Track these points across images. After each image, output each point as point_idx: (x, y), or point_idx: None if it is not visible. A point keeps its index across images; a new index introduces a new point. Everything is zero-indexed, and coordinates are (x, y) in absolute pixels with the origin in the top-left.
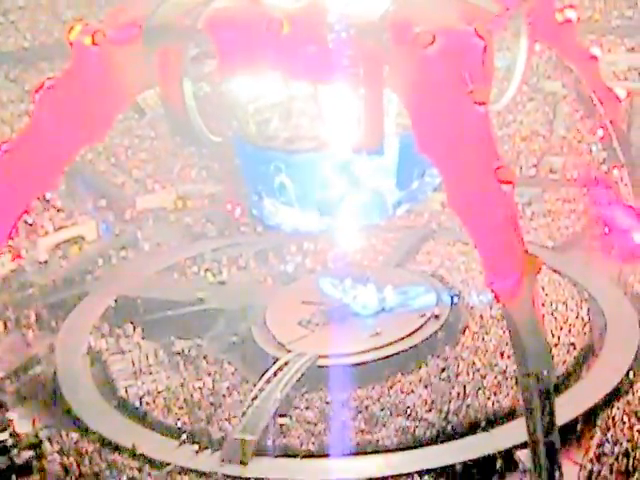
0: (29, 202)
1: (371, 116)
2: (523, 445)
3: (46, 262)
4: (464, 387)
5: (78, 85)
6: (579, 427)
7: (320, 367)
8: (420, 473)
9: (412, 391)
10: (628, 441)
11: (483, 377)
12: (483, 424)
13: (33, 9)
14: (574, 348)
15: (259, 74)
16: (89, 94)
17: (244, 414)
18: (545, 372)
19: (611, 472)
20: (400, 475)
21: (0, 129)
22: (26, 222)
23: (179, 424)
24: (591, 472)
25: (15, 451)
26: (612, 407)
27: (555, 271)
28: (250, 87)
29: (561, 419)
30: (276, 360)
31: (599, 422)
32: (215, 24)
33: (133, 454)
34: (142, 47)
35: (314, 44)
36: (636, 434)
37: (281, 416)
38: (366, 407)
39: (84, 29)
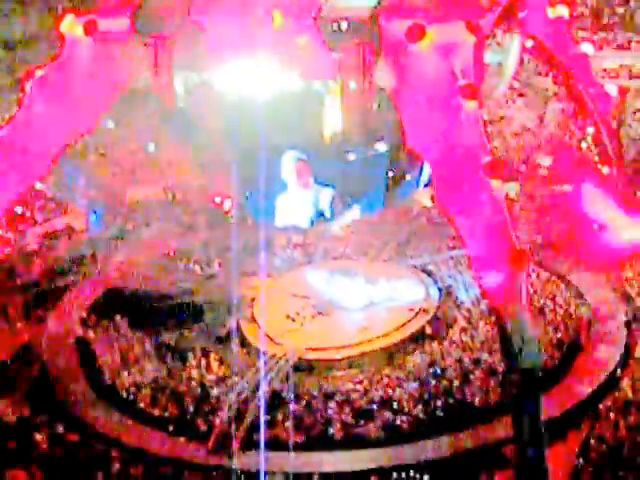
0: (19, 192)
1: (362, 109)
2: (510, 441)
3: (35, 252)
4: (451, 382)
5: (69, 75)
6: (565, 423)
7: (308, 360)
8: (406, 467)
9: (399, 385)
10: (613, 438)
11: (470, 372)
12: (470, 420)
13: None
14: (561, 345)
15: (250, 67)
16: (80, 84)
17: (231, 407)
18: (532, 368)
19: (596, 468)
20: (386, 469)
21: None
22: (15, 212)
23: (166, 415)
24: (576, 468)
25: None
26: (598, 404)
27: (543, 267)
28: (240, 81)
29: (547, 415)
30: (264, 353)
31: (585, 419)
32: (205, 15)
33: (120, 445)
34: (133, 37)
35: (306, 37)
36: (622, 431)
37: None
38: (353, 401)
39: (75, 19)
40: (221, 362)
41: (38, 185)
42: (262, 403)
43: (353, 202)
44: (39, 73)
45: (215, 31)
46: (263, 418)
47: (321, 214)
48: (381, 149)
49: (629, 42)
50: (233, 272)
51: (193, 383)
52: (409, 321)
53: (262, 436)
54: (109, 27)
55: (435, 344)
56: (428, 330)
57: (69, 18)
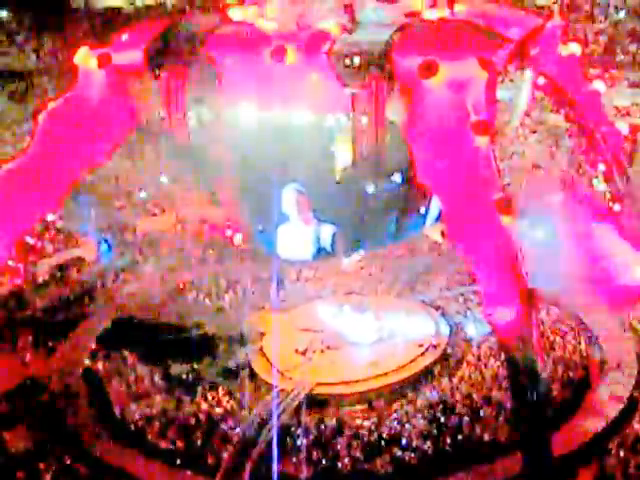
0: (31, 223)
1: (373, 144)
2: (519, 478)
3: (45, 283)
4: (460, 419)
5: (82, 107)
6: (575, 461)
7: (317, 395)
8: None
9: (408, 421)
10: (623, 475)
11: (480, 409)
12: (479, 456)
13: (39, 31)
14: (571, 382)
15: (262, 101)
16: (93, 117)
17: (239, 441)
18: (541, 405)
19: None
20: None
21: (2, 150)
22: (26, 243)
23: (173, 448)
24: None
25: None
26: (608, 442)
27: (554, 304)
28: (253, 115)
29: (557, 453)
30: (273, 387)
31: (595, 457)
32: (219, 50)
33: (127, 477)
34: (146, 71)
35: (318, 72)
36: (632, 469)
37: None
38: (362, 436)
39: (89, 52)
40: (230, 396)
41: (49, 216)
42: (271, 437)
43: (359, 245)
44: (52, 105)
45: (228, 66)
46: (272, 452)
47: (322, 250)
48: (395, 181)
49: None
50: (243, 305)
51: (201, 416)
52: (419, 357)
53: (270, 470)
54: (123, 60)
55: (445, 380)
56: (438, 366)
57: (83, 50)
